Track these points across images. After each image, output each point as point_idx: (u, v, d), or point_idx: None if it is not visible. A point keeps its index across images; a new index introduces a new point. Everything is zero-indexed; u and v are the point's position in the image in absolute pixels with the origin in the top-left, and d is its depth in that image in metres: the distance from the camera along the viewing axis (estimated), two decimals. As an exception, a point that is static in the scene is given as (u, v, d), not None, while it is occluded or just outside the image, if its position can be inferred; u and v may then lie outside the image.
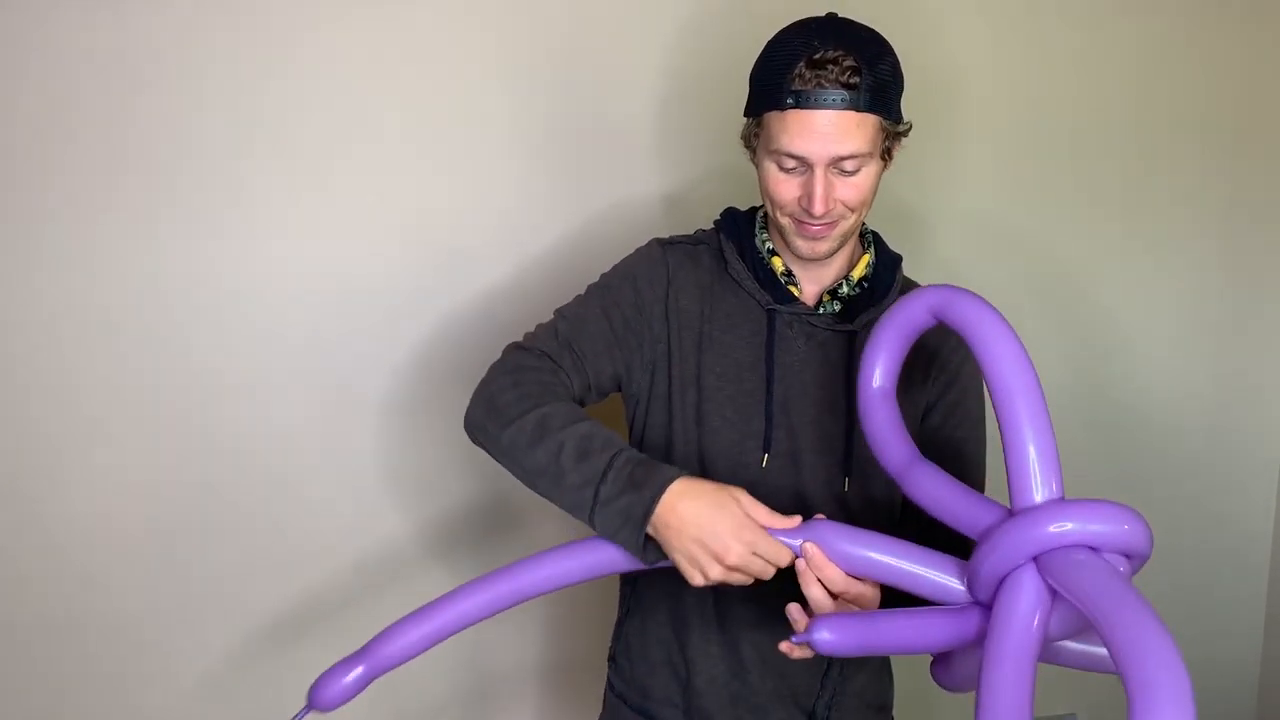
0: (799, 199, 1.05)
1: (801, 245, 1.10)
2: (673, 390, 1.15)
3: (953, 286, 0.98)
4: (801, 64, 1.01)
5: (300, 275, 1.53)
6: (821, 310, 1.15)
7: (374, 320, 1.57)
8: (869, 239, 1.20)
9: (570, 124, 1.60)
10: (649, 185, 1.65)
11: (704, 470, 1.14)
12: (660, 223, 1.64)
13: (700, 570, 0.96)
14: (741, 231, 1.17)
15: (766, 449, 1.13)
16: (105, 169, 1.44)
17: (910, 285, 1.20)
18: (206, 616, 1.57)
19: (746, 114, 1.11)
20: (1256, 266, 1.97)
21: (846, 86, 1.01)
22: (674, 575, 1.14)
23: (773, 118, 1.04)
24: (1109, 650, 0.73)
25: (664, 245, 1.20)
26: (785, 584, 1.11)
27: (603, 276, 1.19)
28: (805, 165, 1.04)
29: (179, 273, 1.49)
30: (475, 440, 1.10)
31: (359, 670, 1.01)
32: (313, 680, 1.02)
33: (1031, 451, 0.88)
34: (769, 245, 1.17)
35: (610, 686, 1.29)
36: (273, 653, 1.61)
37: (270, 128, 1.49)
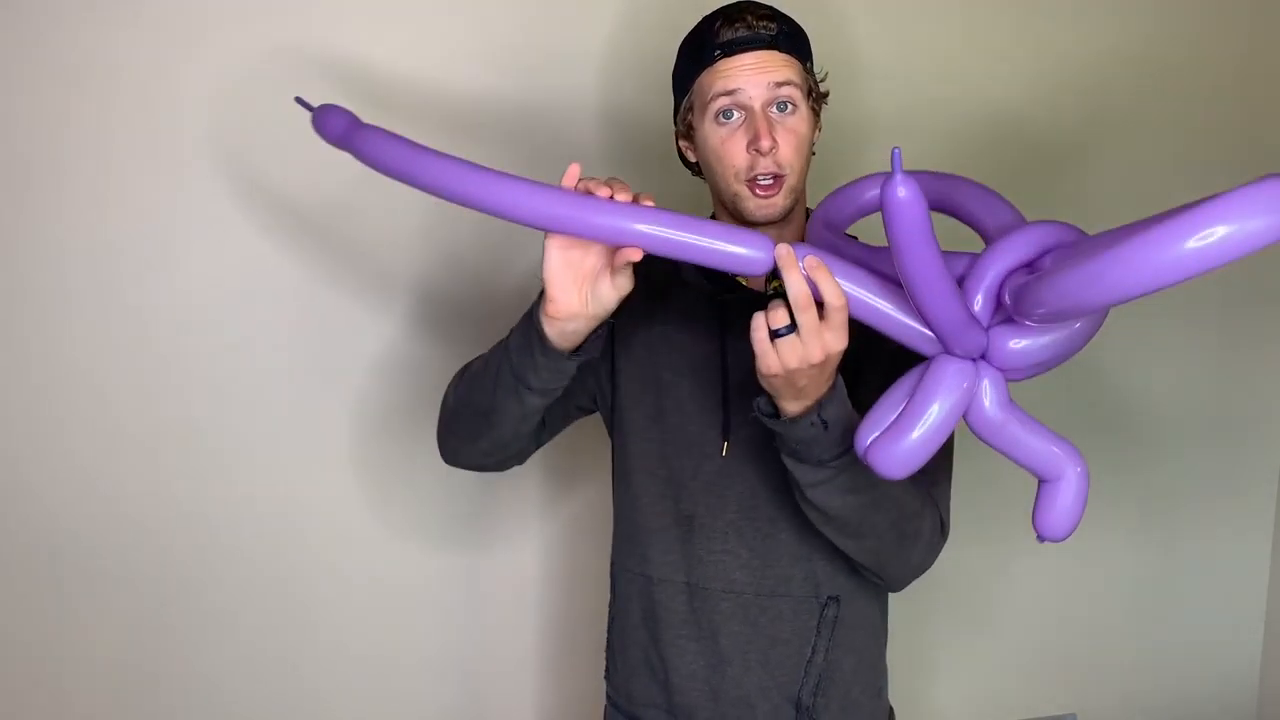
0: (746, 146, 1.08)
1: (755, 207, 1.11)
2: (631, 395, 1.19)
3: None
4: (719, 23, 1.10)
5: (289, 270, 1.55)
6: (771, 293, 1.16)
7: (353, 311, 1.58)
8: None
9: (564, 120, 1.61)
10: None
11: (667, 464, 1.16)
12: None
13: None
14: None
15: (726, 436, 1.14)
16: (103, 170, 1.45)
17: None
18: (204, 614, 1.58)
19: (677, 104, 1.17)
20: (1255, 266, 1.97)
21: (766, 30, 1.09)
22: (648, 574, 1.18)
23: (705, 76, 1.10)
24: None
25: None
26: (762, 579, 1.13)
27: None
28: (744, 110, 1.09)
29: (177, 272, 1.50)
30: (447, 451, 1.21)
31: (345, 124, 1.04)
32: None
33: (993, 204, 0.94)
34: None
35: (608, 700, 1.28)
36: (263, 655, 1.62)
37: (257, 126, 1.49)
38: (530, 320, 1.03)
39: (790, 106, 1.10)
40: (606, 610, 1.28)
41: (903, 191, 0.77)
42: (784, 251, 0.90)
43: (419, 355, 1.60)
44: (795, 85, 1.09)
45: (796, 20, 1.14)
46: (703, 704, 1.17)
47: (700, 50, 1.11)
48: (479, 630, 1.70)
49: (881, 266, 0.95)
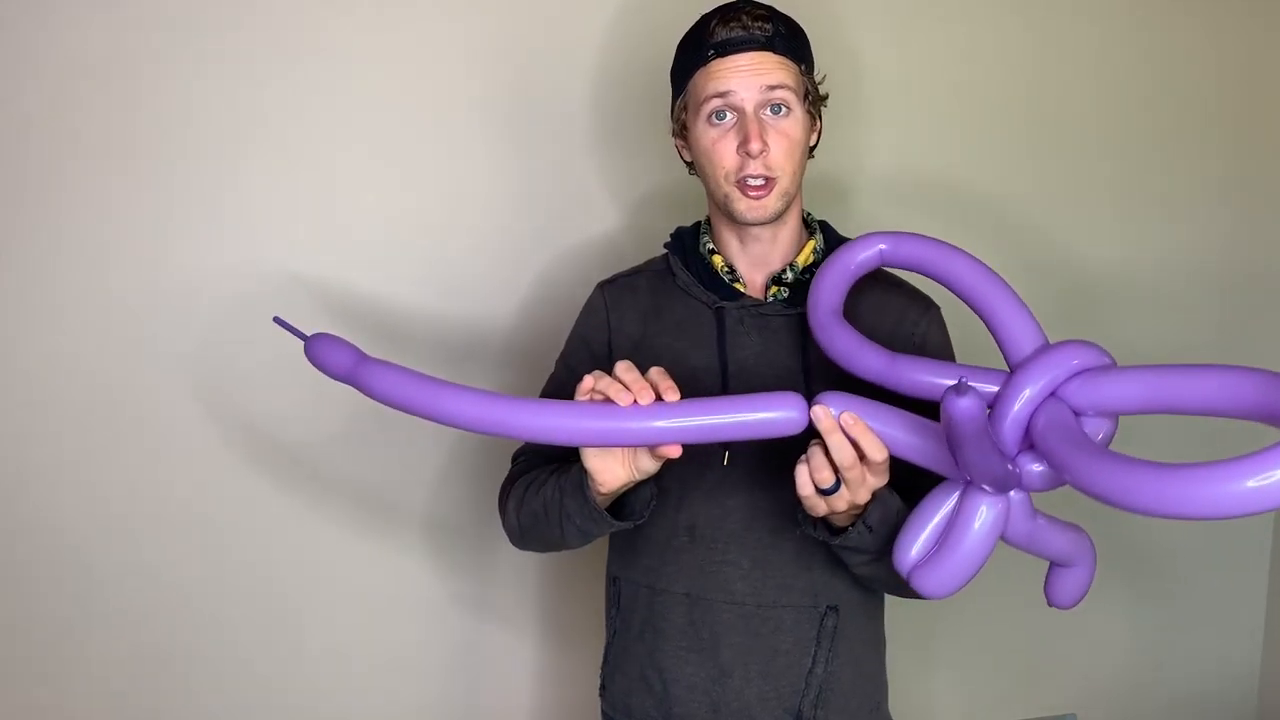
0: (737, 148, 1.08)
1: (746, 208, 1.11)
2: None
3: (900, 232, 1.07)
4: (715, 22, 1.10)
5: (288, 275, 1.55)
6: (771, 300, 1.16)
7: (361, 319, 1.58)
8: (815, 226, 1.22)
9: (556, 121, 1.61)
10: (637, 180, 1.65)
11: (667, 477, 1.15)
12: (643, 221, 1.65)
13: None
14: (686, 243, 1.23)
15: (727, 446, 1.14)
16: (101, 173, 1.46)
17: None
18: (202, 613, 1.59)
19: (674, 101, 1.17)
20: (1253, 261, 1.97)
21: (761, 31, 1.08)
22: (649, 584, 1.18)
23: (698, 76, 1.10)
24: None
25: (602, 287, 1.26)
26: (763, 589, 1.14)
27: (565, 344, 1.27)
28: (736, 111, 1.08)
29: (177, 274, 1.50)
30: (516, 544, 1.21)
31: (349, 361, 1.00)
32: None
33: (1009, 310, 0.93)
34: (709, 246, 1.20)
35: (604, 716, 1.28)
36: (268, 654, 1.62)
37: (256, 130, 1.51)
38: (583, 493, 1.04)
39: (784, 109, 1.09)
40: (604, 622, 1.27)
41: (966, 404, 0.78)
42: (822, 414, 0.91)
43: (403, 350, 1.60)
44: (789, 88, 1.09)
45: (797, 21, 1.13)
46: (703, 716, 1.16)
47: (695, 50, 1.11)
48: (477, 642, 1.70)
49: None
